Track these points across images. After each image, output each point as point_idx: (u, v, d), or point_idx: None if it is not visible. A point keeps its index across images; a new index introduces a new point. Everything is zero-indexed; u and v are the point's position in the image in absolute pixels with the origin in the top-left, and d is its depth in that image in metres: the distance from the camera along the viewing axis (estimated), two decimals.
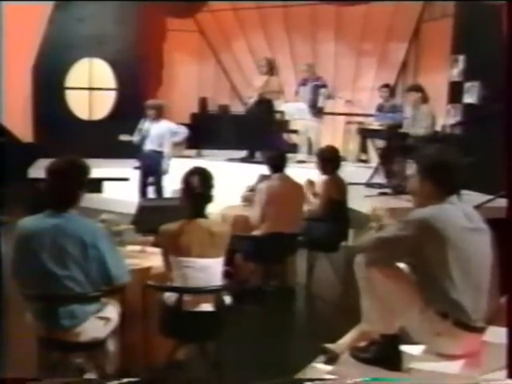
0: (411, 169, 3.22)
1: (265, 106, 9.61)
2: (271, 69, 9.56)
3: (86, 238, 3.22)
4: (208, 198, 3.69)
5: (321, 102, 9.86)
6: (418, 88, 7.65)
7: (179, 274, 3.58)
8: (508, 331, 2.89)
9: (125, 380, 3.53)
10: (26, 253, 3.28)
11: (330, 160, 5.92)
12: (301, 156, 9.64)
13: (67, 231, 3.22)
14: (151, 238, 4.27)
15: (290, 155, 8.07)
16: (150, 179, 7.88)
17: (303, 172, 6.93)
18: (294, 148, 10.04)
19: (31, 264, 3.26)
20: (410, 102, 7.60)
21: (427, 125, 7.21)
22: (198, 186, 3.64)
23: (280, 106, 10.03)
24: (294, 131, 10.47)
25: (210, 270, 3.60)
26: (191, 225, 3.63)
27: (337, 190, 5.79)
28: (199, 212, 3.67)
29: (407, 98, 7.73)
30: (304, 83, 9.99)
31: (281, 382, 3.45)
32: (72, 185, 3.32)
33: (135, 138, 7.76)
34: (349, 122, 10.38)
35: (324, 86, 9.88)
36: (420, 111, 7.36)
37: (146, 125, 7.70)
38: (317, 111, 9.83)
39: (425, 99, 7.38)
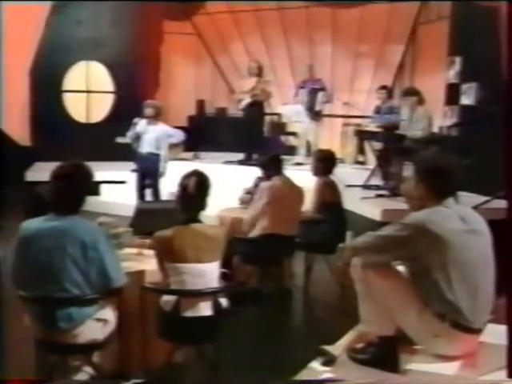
0: (408, 171, 3.22)
1: (256, 108, 9.60)
2: (260, 71, 9.58)
3: (87, 238, 3.22)
4: (202, 203, 3.65)
5: (318, 106, 9.81)
6: (413, 91, 7.65)
7: (176, 281, 3.53)
8: (508, 331, 2.89)
9: (122, 382, 3.54)
10: (27, 254, 3.28)
11: (325, 162, 5.93)
12: (298, 158, 9.63)
13: (68, 232, 3.22)
14: (148, 241, 4.26)
15: (287, 157, 8.09)
16: (148, 182, 7.89)
17: (301, 174, 6.92)
18: (291, 150, 10.04)
19: (31, 265, 3.26)
20: (407, 105, 7.61)
21: (424, 126, 7.21)
22: (194, 189, 3.60)
23: (277, 108, 10.01)
24: (293, 133, 10.47)
25: (208, 274, 3.57)
26: (186, 230, 3.57)
27: (330, 192, 5.80)
28: (193, 217, 3.62)
29: (403, 101, 7.74)
30: (303, 86, 9.91)
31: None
32: (77, 189, 3.34)
33: (128, 135, 7.76)
34: (346, 124, 10.39)
35: (322, 89, 9.81)
36: (416, 113, 7.36)
37: (142, 125, 7.70)
38: (314, 114, 9.79)
39: (421, 101, 7.39)
